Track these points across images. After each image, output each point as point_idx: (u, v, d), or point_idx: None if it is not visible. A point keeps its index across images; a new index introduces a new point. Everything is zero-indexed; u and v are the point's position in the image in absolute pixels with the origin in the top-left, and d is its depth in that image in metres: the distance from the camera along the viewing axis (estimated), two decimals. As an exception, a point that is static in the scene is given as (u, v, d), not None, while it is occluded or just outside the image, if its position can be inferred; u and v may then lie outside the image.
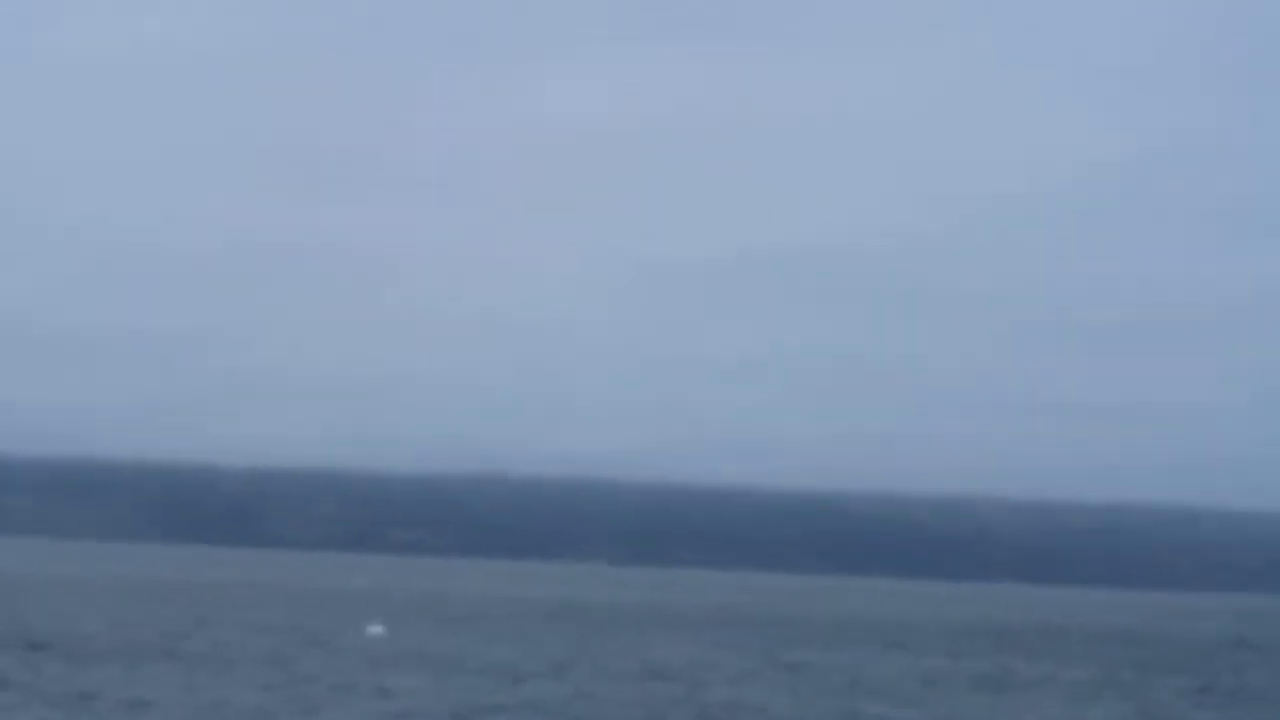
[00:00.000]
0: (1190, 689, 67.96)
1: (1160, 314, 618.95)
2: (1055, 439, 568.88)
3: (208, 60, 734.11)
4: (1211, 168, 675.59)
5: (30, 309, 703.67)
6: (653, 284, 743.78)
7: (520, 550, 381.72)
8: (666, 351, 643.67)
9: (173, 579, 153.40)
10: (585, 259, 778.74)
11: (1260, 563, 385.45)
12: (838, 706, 51.29)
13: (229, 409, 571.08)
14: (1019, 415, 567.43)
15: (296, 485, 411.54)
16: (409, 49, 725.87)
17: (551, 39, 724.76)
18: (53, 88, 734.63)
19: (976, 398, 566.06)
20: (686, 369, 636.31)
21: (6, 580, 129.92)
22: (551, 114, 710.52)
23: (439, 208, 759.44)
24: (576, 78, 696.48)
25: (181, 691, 45.68)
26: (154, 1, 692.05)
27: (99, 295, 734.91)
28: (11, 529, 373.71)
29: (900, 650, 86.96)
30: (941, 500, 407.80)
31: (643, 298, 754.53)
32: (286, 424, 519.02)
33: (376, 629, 78.79)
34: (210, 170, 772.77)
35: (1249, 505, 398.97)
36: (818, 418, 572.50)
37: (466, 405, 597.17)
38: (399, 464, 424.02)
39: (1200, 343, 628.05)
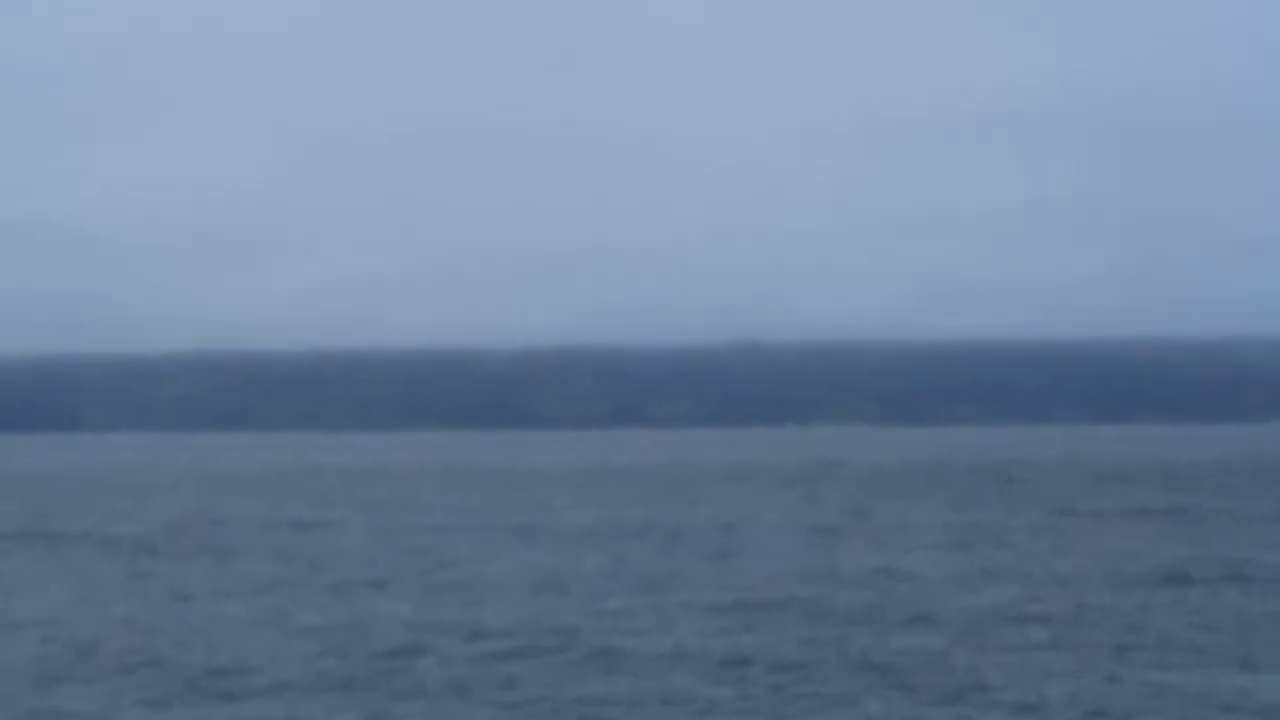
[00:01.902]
0: None
1: None
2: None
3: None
4: None
5: (262, 199, 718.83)
6: (892, 141, 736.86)
7: (781, 417, 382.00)
8: (910, 207, 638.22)
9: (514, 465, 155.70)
10: (825, 118, 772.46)
11: None
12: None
13: (481, 289, 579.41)
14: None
15: (554, 364, 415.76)
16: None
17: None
18: None
19: (1223, 236, 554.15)
20: (932, 224, 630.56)
21: (288, 474, 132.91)
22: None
23: (678, 77, 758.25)
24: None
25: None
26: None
27: (339, 182, 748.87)
28: (276, 424, 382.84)
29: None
30: (1200, 342, 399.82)
31: (883, 154, 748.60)
32: (539, 303, 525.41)
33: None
34: (448, 50, 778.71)
35: None
36: (1067, 264, 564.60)
37: (715, 274, 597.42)
38: (653, 338, 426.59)
39: None
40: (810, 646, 32.11)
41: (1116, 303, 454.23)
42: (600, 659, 30.99)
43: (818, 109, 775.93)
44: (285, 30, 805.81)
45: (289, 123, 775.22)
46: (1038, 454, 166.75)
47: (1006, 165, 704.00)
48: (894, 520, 66.59)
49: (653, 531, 62.01)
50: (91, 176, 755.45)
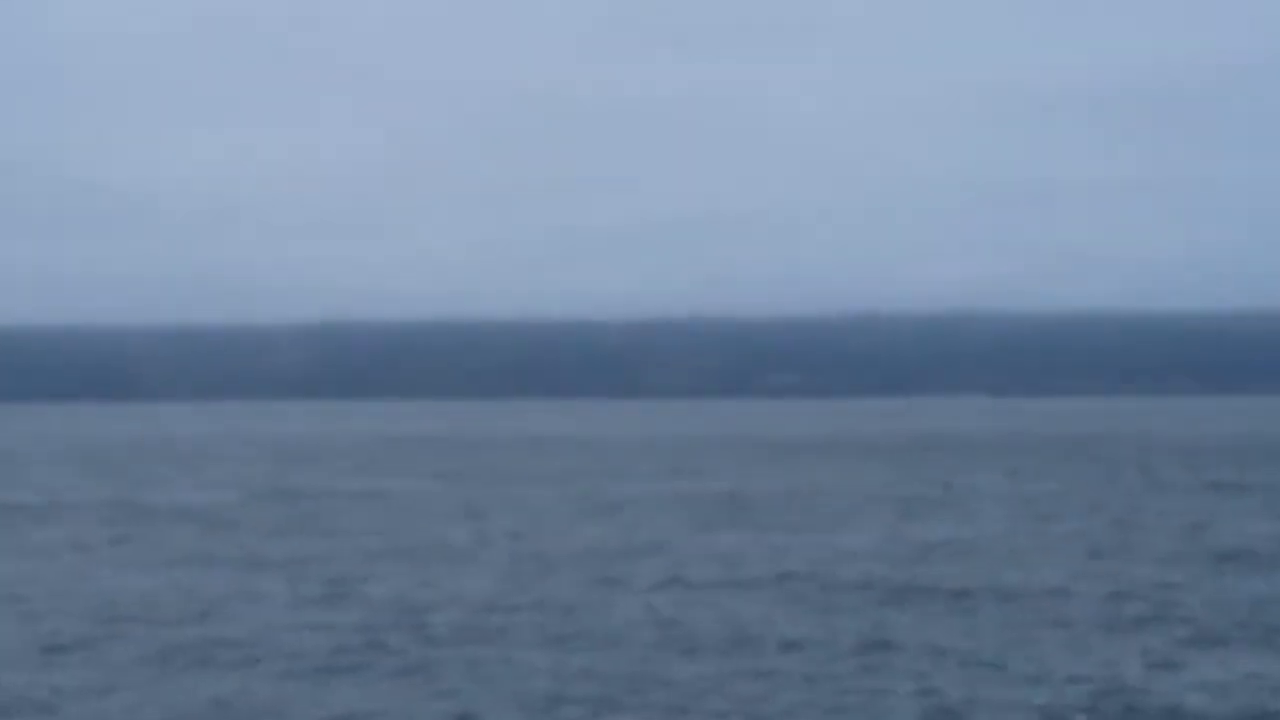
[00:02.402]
0: None
1: None
2: None
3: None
4: None
5: (387, 169, 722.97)
6: (1003, 112, 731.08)
7: (895, 387, 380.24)
8: (1022, 178, 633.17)
9: (574, 433, 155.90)
10: (940, 91, 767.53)
11: None
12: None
13: (593, 260, 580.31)
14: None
15: (664, 334, 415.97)
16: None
17: None
18: None
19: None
20: (1045, 195, 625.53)
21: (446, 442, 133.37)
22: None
23: (789, 51, 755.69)
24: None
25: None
26: None
27: (448, 153, 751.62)
28: (389, 393, 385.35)
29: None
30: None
31: (995, 126, 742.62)
32: (651, 273, 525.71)
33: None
34: (548, 21, 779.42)
35: None
36: (1177, 239, 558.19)
37: (830, 244, 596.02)
38: (763, 308, 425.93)
39: None
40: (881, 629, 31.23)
41: (1228, 275, 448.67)
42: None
43: (933, 81, 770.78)
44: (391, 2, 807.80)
45: (395, 93, 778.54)
46: (1140, 425, 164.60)
47: (1120, 142, 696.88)
48: (971, 492, 65.55)
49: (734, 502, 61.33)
50: (192, 150, 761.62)
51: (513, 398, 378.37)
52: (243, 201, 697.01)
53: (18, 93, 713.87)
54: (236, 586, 37.65)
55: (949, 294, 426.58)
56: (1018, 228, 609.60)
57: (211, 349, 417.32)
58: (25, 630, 31.71)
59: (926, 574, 38.31)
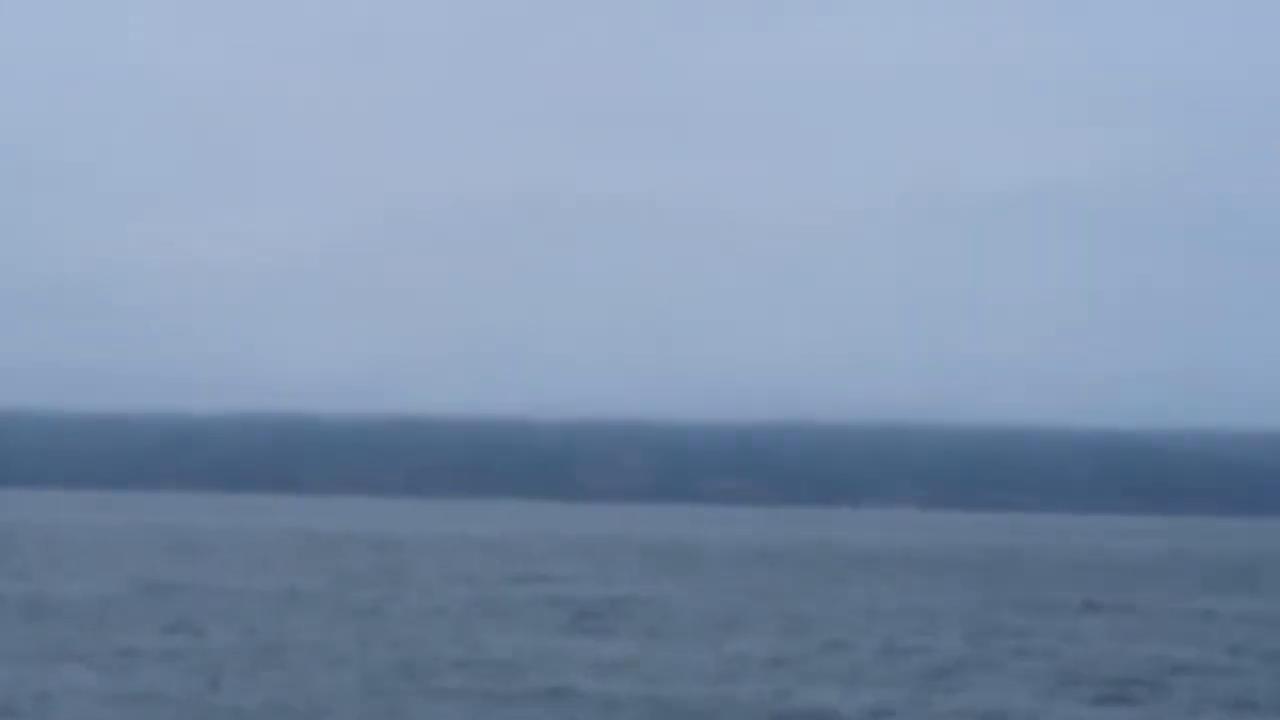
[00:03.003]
0: None
1: None
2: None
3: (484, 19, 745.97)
4: None
5: (334, 265, 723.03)
6: (940, 221, 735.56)
7: (830, 497, 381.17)
8: (960, 290, 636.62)
9: (498, 534, 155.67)
10: (874, 197, 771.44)
11: None
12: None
13: (533, 361, 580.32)
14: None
15: (603, 437, 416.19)
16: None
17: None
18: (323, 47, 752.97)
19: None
20: (986, 308, 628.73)
21: (360, 540, 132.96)
22: (826, 54, 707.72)
23: (719, 153, 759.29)
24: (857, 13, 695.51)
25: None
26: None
27: (397, 250, 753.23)
28: (324, 488, 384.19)
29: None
30: (1253, 434, 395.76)
31: (932, 236, 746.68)
32: (590, 376, 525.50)
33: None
34: (495, 125, 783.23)
35: None
36: (1111, 354, 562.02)
37: (763, 352, 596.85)
38: (703, 413, 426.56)
39: None
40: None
41: (1165, 395, 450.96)
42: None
43: (867, 186, 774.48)
44: (343, 94, 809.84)
45: (338, 188, 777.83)
46: (1057, 543, 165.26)
47: (1062, 252, 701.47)
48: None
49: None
50: (136, 238, 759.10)
51: (449, 496, 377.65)
52: (181, 291, 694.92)
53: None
54: (59, 681, 37.56)
55: (889, 406, 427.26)
56: (959, 339, 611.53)
57: (141, 438, 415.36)
58: None
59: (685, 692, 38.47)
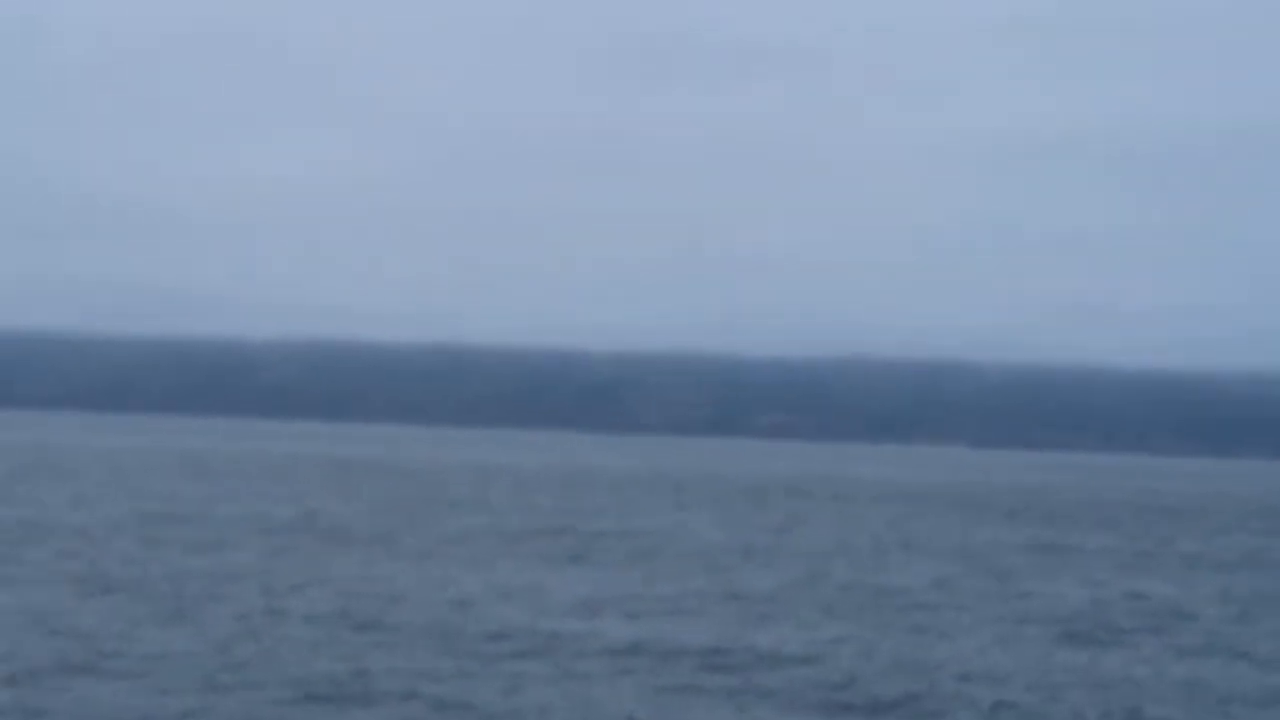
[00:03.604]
0: None
1: None
2: None
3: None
4: None
5: (383, 192, 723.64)
6: (1007, 160, 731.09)
7: (882, 433, 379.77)
8: (1021, 228, 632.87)
9: (534, 465, 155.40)
10: (940, 134, 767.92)
11: None
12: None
13: (595, 293, 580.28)
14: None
15: (657, 370, 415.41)
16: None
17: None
18: None
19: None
20: (1043, 245, 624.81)
21: (388, 468, 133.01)
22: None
23: (792, 87, 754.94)
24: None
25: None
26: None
27: (455, 179, 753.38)
28: (373, 416, 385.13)
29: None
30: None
31: (996, 175, 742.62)
32: (646, 307, 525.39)
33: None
34: (554, 56, 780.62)
35: None
36: (1176, 292, 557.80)
37: (824, 286, 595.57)
38: (758, 347, 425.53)
39: None
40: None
41: (1224, 334, 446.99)
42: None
43: (937, 126, 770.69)
44: (394, 25, 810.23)
45: (392, 120, 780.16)
46: (1097, 483, 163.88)
47: (1115, 194, 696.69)
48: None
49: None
50: (187, 162, 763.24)
51: (500, 426, 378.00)
52: (235, 217, 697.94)
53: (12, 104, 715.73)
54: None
55: (943, 342, 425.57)
56: (1019, 277, 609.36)
57: (197, 363, 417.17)
58: None
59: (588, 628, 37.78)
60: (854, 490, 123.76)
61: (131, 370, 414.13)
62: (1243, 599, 49.28)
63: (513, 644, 33.99)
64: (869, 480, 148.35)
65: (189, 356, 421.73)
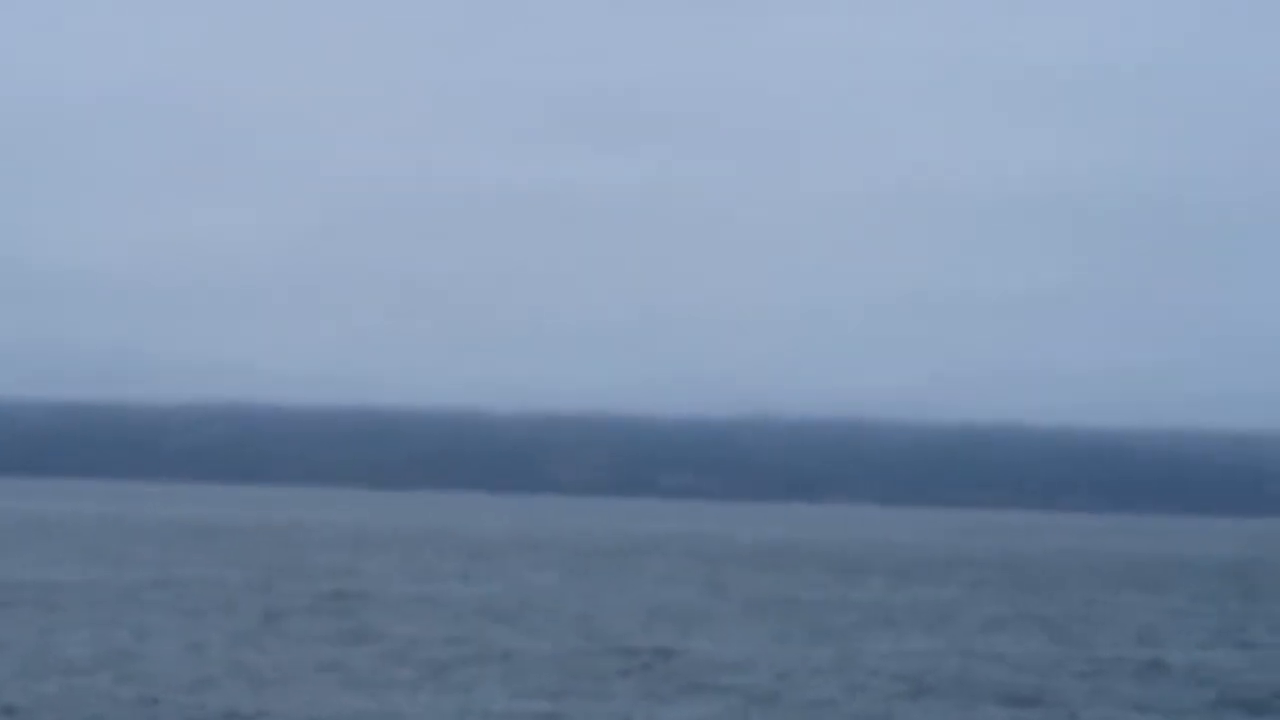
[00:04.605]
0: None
1: None
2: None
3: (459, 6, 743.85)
4: None
5: (298, 254, 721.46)
6: (917, 219, 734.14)
7: (790, 493, 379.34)
8: (932, 287, 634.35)
9: (454, 527, 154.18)
10: (850, 191, 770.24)
11: None
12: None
13: (500, 353, 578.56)
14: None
15: (567, 430, 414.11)
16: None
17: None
18: (305, 34, 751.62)
19: (1265, 334, 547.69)
20: (953, 304, 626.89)
21: (290, 530, 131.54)
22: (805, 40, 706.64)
23: (695, 150, 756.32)
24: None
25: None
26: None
27: (368, 241, 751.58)
28: (286, 478, 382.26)
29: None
30: (1227, 435, 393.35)
31: (908, 232, 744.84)
32: (556, 368, 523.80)
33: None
34: (470, 117, 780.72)
35: None
36: (1092, 352, 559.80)
37: (732, 346, 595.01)
38: (668, 407, 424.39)
39: None
40: None
41: (1135, 394, 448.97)
42: None
43: (842, 181, 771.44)
44: (315, 87, 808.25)
45: (313, 179, 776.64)
46: (993, 542, 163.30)
47: (1032, 250, 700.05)
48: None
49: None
50: (115, 227, 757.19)
51: (412, 488, 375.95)
52: (146, 279, 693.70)
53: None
54: None
55: (855, 402, 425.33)
56: (925, 338, 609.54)
57: (113, 426, 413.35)
58: None
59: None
60: (714, 549, 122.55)
61: (44, 434, 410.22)
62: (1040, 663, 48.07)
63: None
64: (742, 540, 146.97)
65: (100, 419, 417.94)
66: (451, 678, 38.70)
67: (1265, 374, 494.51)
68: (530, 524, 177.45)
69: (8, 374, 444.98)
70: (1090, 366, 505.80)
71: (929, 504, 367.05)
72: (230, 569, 78.03)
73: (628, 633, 50.85)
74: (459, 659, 41.99)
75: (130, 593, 61.46)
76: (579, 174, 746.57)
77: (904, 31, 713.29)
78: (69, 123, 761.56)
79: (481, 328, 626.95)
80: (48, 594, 59.98)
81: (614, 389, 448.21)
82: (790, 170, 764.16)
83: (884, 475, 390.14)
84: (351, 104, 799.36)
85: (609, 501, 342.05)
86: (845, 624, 57.58)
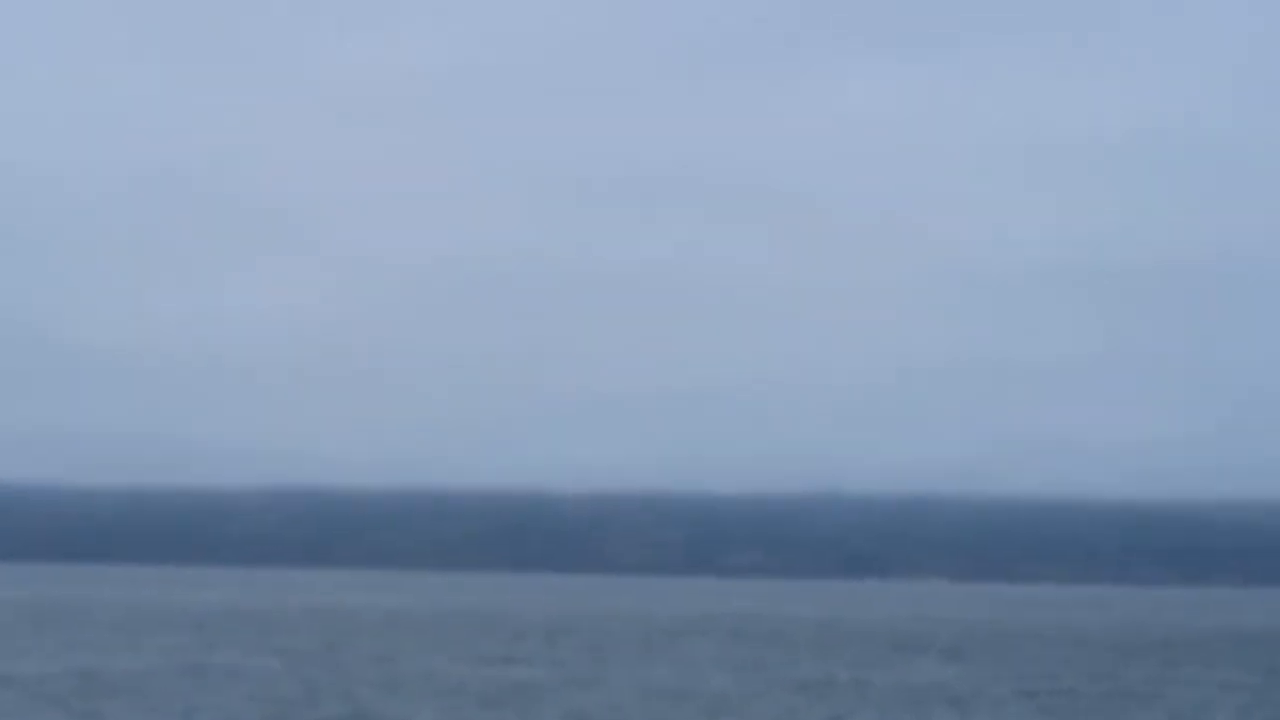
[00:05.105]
0: None
1: None
2: None
3: (490, 80, 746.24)
4: None
5: (339, 335, 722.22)
6: (977, 293, 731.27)
7: (859, 569, 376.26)
8: (995, 360, 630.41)
9: (500, 609, 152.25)
10: (907, 273, 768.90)
11: None
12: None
13: (567, 433, 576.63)
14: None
15: (631, 509, 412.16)
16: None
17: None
18: (331, 112, 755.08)
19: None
20: (1016, 377, 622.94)
21: (344, 615, 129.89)
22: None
23: (760, 221, 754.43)
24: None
25: None
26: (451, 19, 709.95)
27: (417, 320, 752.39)
28: (349, 561, 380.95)
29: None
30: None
31: (968, 307, 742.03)
32: (617, 446, 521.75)
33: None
34: (513, 192, 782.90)
35: None
36: (1153, 423, 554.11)
37: (796, 422, 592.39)
38: (732, 484, 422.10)
39: None
40: None
41: (1195, 463, 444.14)
42: None
43: (897, 260, 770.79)
44: (362, 160, 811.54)
45: (365, 257, 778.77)
46: (1070, 618, 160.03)
47: (1090, 325, 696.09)
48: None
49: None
50: (166, 308, 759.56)
51: (476, 569, 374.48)
52: (204, 363, 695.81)
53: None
54: None
55: (915, 476, 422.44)
56: (987, 410, 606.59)
57: (169, 512, 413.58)
58: None
59: None
60: (764, 628, 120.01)
61: (110, 521, 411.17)
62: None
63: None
64: (810, 619, 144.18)
65: (165, 506, 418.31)
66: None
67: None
68: (582, 605, 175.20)
69: (73, 461, 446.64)
70: (1148, 436, 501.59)
71: (998, 579, 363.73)
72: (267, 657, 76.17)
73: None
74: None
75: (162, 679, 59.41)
76: (624, 248, 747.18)
77: (936, 103, 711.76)
78: (109, 206, 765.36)
79: (539, 406, 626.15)
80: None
81: (677, 466, 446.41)
82: (828, 242, 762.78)
83: (951, 551, 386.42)
84: (388, 181, 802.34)
85: (672, 581, 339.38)
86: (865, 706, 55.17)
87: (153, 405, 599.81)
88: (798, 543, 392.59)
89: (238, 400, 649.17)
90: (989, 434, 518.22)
